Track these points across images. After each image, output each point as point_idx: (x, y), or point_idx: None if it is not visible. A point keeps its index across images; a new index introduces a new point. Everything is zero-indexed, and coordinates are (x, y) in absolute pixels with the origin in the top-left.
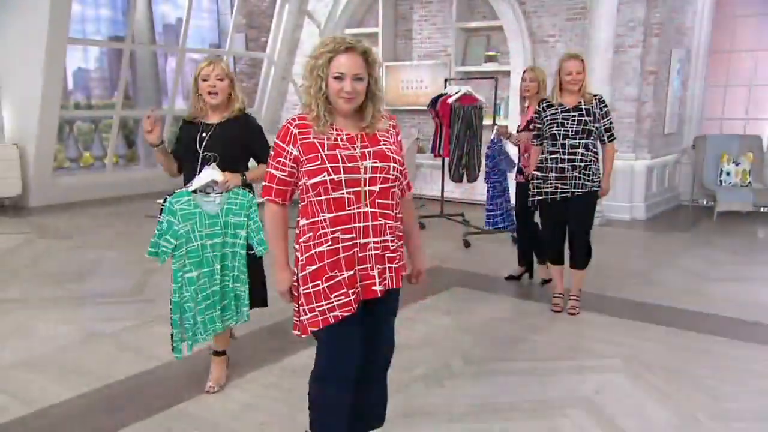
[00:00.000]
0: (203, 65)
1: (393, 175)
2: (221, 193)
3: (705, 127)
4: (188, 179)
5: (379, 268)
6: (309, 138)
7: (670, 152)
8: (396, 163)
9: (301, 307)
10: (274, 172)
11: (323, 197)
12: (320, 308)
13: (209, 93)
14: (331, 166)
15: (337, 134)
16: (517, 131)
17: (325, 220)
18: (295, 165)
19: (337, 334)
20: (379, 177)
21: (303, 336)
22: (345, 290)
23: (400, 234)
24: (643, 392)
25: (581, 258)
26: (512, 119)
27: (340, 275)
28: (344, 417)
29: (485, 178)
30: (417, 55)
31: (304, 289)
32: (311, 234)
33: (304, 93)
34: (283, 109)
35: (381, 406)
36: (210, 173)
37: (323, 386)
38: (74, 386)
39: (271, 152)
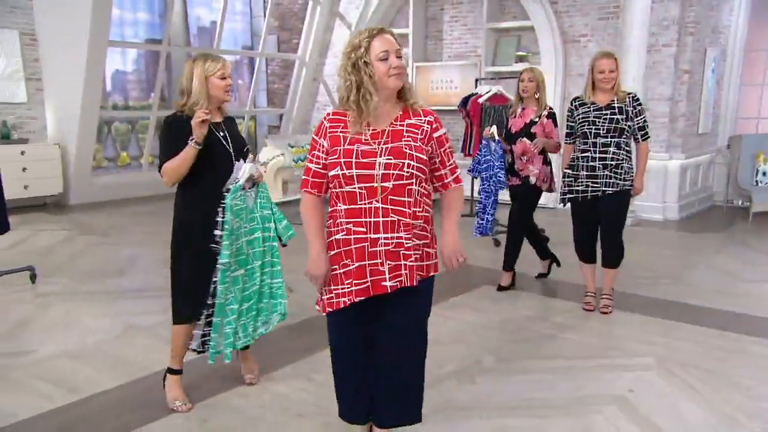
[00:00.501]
0: (216, 64)
1: (408, 172)
2: (253, 186)
3: (740, 126)
4: (216, 180)
5: (390, 264)
6: (336, 132)
7: (704, 152)
8: (412, 159)
9: (325, 287)
10: (310, 165)
11: (338, 189)
12: (335, 291)
13: (227, 91)
14: (344, 161)
15: (366, 130)
16: (507, 133)
17: (341, 210)
18: (326, 157)
19: (337, 321)
20: (393, 174)
21: (322, 313)
22: (351, 280)
23: (422, 233)
24: (678, 391)
25: (613, 257)
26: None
27: (351, 265)
28: (351, 390)
29: (482, 188)
30: (447, 55)
31: (333, 271)
32: (332, 221)
33: (344, 91)
34: (314, 109)
35: (398, 399)
36: (251, 167)
37: (332, 357)
38: (116, 376)
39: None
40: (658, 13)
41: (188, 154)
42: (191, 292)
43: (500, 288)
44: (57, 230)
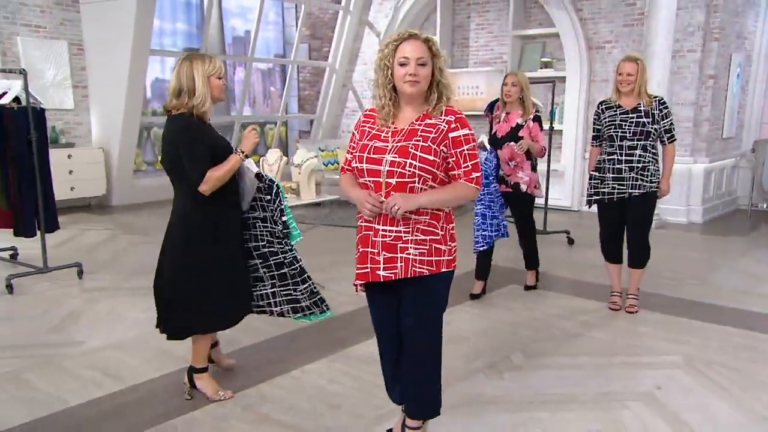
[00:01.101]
0: (214, 65)
1: (409, 171)
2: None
3: (765, 131)
4: (234, 178)
5: (386, 256)
6: (366, 126)
7: (728, 156)
8: (415, 159)
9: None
10: (346, 155)
11: (358, 180)
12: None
13: (223, 91)
14: (358, 155)
15: (390, 127)
16: (492, 138)
17: None
18: (355, 147)
19: (369, 298)
20: (396, 171)
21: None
22: (358, 265)
23: (430, 228)
24: (706, 389)
25: (640, 257)
26: (567, 124)
27: (360, 251)
28: (386, 371)
29: (480, 200)
30: (473, 62)
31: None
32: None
33: (374, 86)
34: (343, 115)
35: (411, 393)
36: (249, 161)
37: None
38: (159, 367)
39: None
40: (683, 19)
41: (236, 164)
42: (236, 293)
43: (527, 287)
44: (101, 230)
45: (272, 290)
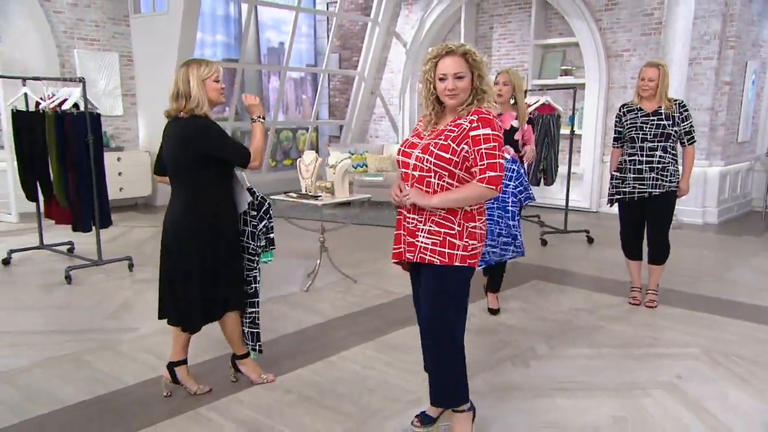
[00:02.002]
0: (210, 68)
1: (427, 166)
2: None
3: None
4: (230, 182)
5: (409, 240)
6: (418, 126)
7: (743, 160)
8: (432, 156)
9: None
10: None
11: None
12: None
13: (222, 94)
14: (397, 149)
15: (431, 128)
16: None
17: None
18: None
19: (411, 274)
20: (418, 165)
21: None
22: (394, 244)
23: (446, 222)
24: (726, 380)
25: (660, 254)
26: (586, 129)
27: (396, 232)
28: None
29: (513, 211)
30: (495, 70)
31: None
32: None
33: (421, 97)
34: (371, 120)
35: (432, 380)
36: (245, 179)
37: None
38: (205, 351)
39: None
40: (699, 28)
41: (262, 129)
42: (243, 279)
43: (492, 311)
44: (147, 227)
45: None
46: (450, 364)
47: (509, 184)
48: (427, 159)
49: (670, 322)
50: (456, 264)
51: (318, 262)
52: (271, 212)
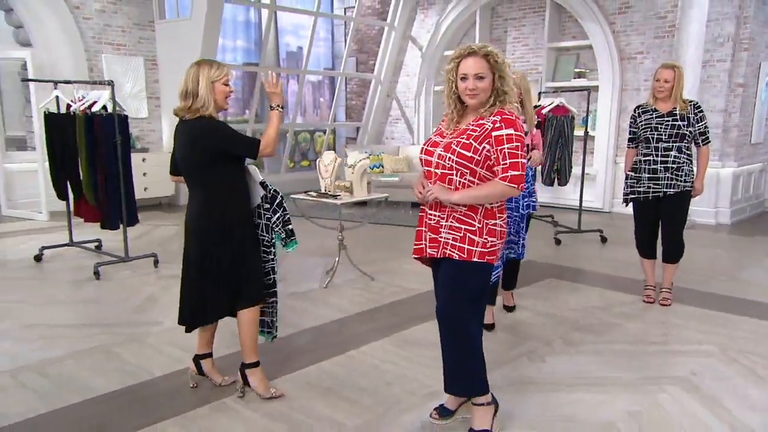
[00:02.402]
0: (220, 71)
1: (449, 164)
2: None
3: None
4: (244, 178)
5: (431, 236)
6: (441, 125)
7: (756, 161)
8: (453, 154)
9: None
10: None
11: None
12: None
13: (227, 98)
14: (420, 148)
15: (453, 127)
16: None
17: None
18: None
19: (432, 270)
20: (440, 164)
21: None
22: (416, 240)
23: (466, 219)
24: (741, 376)
25: (674, 253)
26: (599, 130)
27: (418, 228)
28: None
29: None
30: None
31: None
32: None
33: (444, 97)
34: (387, 122)
35: (447, 369)
36: (257, 172)
37: None
38: (230, 344)
39: None
40: (713, 30)
41: (279, 118)
42: (258, 276)
43: (489, 327)
44: (170, 225)
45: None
46: (465, 356)
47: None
48: (449, 157)
49: (684, 319)
50: (474, 260)
51: (336, 259)
52: (285, 205)
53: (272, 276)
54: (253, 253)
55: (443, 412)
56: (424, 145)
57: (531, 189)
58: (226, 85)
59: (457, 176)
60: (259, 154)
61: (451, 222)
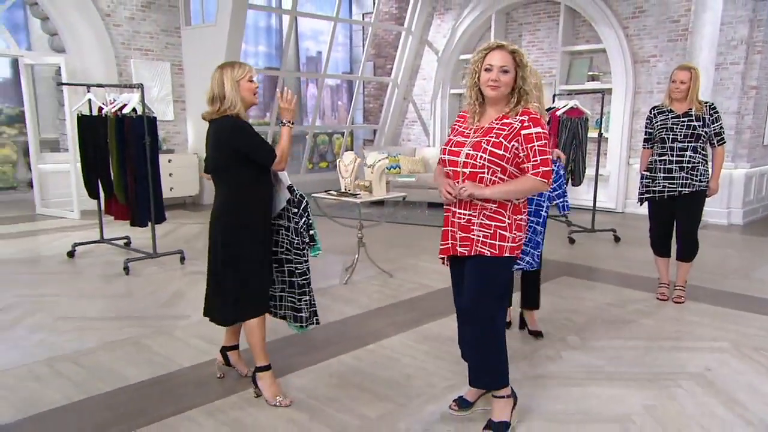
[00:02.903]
0: (243, 69)
1: (480, 162)
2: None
3: None
4: (269, 180)
5: (461, 235)
6: (456, 125)
7: None
8: (485, 153)
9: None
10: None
11: (444, 169)
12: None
13: (255, 94)
14: (442, 148)
15: (474, 125)
16: None
17: None
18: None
19: (450, 271)
20: (469, 162)
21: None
22: (442, 241)
23: (496, 216)
24: (755, 372)
25: (688, 251)
26: (612, 132)
27: (444, 229)
28: (459, 332)
29: (545, 216)
30: None
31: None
32: None
33: (466, 88)
34: (403, 125)
35: (472, 363)
36: (286, 177)
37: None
38: None
39: None
40: (726, 34)
41: (290, 133)
42: (268, 283)
43: (506, 325)
44: (195, 224)
45: (280, 294)
46: (493, 351)
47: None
48: (481, 156)
49: (698, 316)
50: (505, 255)
51: (356, 257)
52: (308, 210)
53: (308, 276)
54: (250, 266)
55: (462, 403)
56: (446, 145)
57: (564, 188)
58: (251, 81)
59: (488, 174)
60: (273, 166)
61: (482, 220)
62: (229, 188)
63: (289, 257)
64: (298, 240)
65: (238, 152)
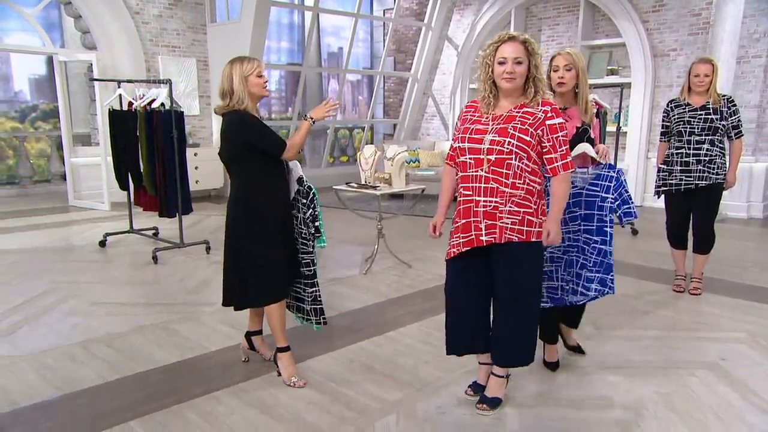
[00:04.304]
0: (252, 64)
1: (508, 148)
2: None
3: None
4: (285, 166)
5: (487, 223)
6: (467, 115)
7: None
8: (513, 138)
9: (450, 239)
10: (452, 141)
11: (459, 159)
12: (451, 243)
13: (265, 87)
14: (461, 136)
15: (489, 113)
16: None
17: (459, 178)
18: (457, 134)
19: (451, 267)
20: (495, 149)
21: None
22: (459, 234)
23: (524, 202)
24: None
25: (705, 243)
26: (631, 126)
27: (461, 221)
28: (457, 326)
29: (611, 233)
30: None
31: (452, 228)
32: (458, 188)
33: (478, 81)
34: (423, 119)
35: (505, 342)
36: (299, 167)
37: (446, 299)
38: None
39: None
40: (748, 26)
41: (308, 128)
42: (285, 269)
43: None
44: (220, 215)
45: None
46: (530, 328)
47: (607, 197)
48: (509, 142)
49: (715, 308)
50: (533, 240)
51: (375, 247)
52: (315, 202)
53: (312, 267)
54: (262, 253)
55: (477, 388)
56: (464, 133)
57: (626, 195)
58: (260, 76)
59: (515, 160)
60: (282, 156)
61: (510, 207)
62: (242, 179)
63: (297, 246)
64: (306, 230)
65: (248, 144)
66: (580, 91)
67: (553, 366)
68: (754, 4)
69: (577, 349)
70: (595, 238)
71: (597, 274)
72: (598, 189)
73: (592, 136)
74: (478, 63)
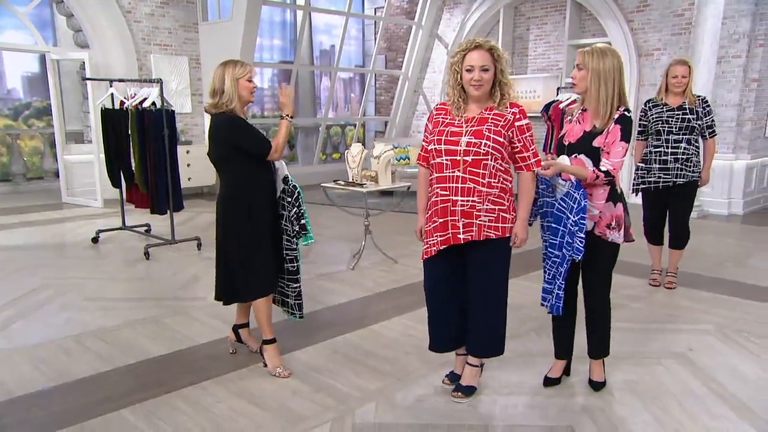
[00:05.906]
0: (244, 69)
1: (484, 150)
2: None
3: None
4: (271, 165)
5: (464, 222)
6: (438, 117)
7: None
8: (489, 140)
9: (423, 239)
10: (423, 143)
11: (434, 161)
12: (428, 242)
13: (252, 93)
14: (436, 138)
15: (461, 116)
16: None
17: (434, 178)
18: (429, 136)
19: (429, 267)
20: (472, 150)
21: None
22: (435, 234)
23: (498, 200)
24: (735, 353)
25: (681, 239)
26: None
27: (437, 221)
28: (439, 323)
29: (547, 249)
30: (531, 69)
31: (426, 227)
32: (431, 188)
33: (447, 86)
34: (414, 117)
35: (479, 336)
36: (284, 167)
37: (426, 297)
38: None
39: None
40: (728, 27)
41: (288, 126)
42: (272, 265)
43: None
44: (211, 212)
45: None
46: (501, 320)
47: (570, 218)
48: (485, 143)
49: (688, 301)
50: (507, 235)
51: (363, 244)
52: (300, 200)
53: (296, 264)
54: (250, 250)
55: (453, 377)
56: (440, 135)
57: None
58: (250, 81)
59: (491, 160)
60: (268, 157)
61: (487, 205)
62: (230, 177)
63: (283, 244)
64: (290, 228)
65: (229, 144)
66: (590, 91)
67: (551, 382)
68: (734, 5)
69: (596, 385)
70: (557, 252)
71: (556, 290)
72: (566, 207)
73: (597, 144)
74: (449, 69)
